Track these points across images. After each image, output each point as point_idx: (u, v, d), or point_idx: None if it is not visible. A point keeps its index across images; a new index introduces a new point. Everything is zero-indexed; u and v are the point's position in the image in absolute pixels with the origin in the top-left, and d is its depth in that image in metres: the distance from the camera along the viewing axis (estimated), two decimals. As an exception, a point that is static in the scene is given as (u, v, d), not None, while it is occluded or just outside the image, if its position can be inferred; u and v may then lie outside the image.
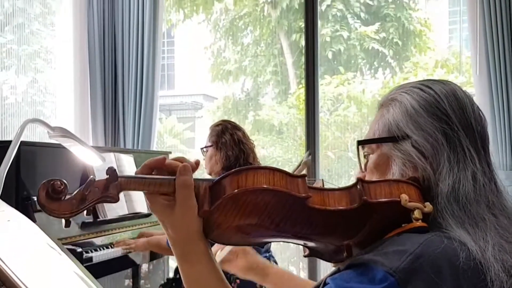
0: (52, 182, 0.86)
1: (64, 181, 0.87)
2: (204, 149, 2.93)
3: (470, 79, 4.83)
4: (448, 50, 5.81)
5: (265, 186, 0.87)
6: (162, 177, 0.93)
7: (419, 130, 0.97)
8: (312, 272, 3.98)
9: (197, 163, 0.96)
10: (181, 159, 0.95)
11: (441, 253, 0.83)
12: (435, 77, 5.33)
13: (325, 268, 4.30)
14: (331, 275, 0.87)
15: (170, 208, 0.93)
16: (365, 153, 1.05)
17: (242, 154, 2.83)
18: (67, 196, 0.87)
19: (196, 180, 0.93)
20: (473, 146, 0.96)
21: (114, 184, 0.88)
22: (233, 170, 0.90)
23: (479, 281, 0.84)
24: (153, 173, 0.95)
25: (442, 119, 0.96)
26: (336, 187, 0.95)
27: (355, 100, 5.54)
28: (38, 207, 2.50)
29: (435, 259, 0.82)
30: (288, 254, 5.70)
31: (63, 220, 0.88)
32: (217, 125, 2.95)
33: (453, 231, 0.88)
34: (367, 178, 1.02)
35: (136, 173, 0.95)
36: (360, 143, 1.06)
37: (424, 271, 0.81)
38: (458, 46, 5.69)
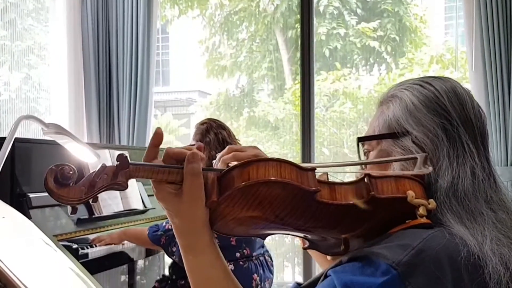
0: (61, 167, 0.83)
1: (73, 166, 0.84)
2: None
3: (465, 75, 4.84)
4: (443, 45, 5.82)
5: (276, 178, 0.86)
6: (171, 165, 0.91)
7: (419, 125, 0.97)
8: (307, 267, 3.98)
9: (199, 148, 0.94)
10: (189, 148, 0.94)
11: (443, 249, 0.84)
12: (431, 73, 5.33)
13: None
14: (333, 267, 0.86)
15: (177, 197, 0.91)
16: (365, 150, 1.05)
17: None
18: (76, 182, 0.85)
19: (204, 170, 0.91)
20: (473, 141, 0.96)
21: (124, 172, 0.86)
22: (243, 161, 0.89)
23: (477, 276, 0.84)
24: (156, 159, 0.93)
25: (442, 115, 0.96)
26: (340, 180, 0.94)
27: (351, 96, 5.54)
28: (34, 204, 2.48)
29: (437, 254, 0.83)
30: (283, 249, 5.71)
31: (69, 207, 0.86)
32: (202, 123, 2.92)
33: (451, 227, 0.88)
34: None
35: (144, 158, 0.92)
36: (360, 139, 1.05)
37: (426, 266, 0.81)
38: (453, 42, 5.70)
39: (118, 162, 0.86)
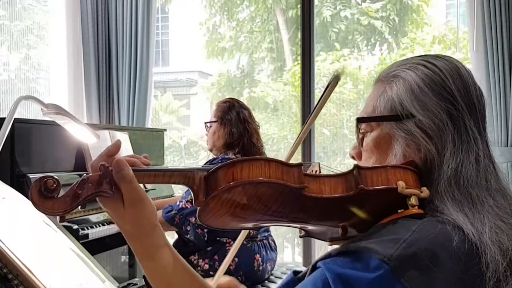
0: (44, 180, 0.86)
1: (57, 177, 0.86)
2: (208, 124, 2.93)
3: (467, 55, 4.81)
4: (445, 25, 5.78)
5: (260, 178, 0.86)
6: (169, 168, 0.93)
7: (424, 110, 0.93)
8: (307, 248, 4.00)
9: (145, 157, 0.96)
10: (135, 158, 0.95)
11: (434, 239, 0.82)
12: (433, 53, 5.29)
13: (320, 245, 4.33)
14: (323, 259, 0.84)
15: (118, 204, 0.92)
16: (363, 131, 1.01)
17: (246, 132, 2.83)
18: (60, 193, 0.86)
19: (191, 169, 0.92)
20: (476, 127, 0.94)
21: (107, 180, 0.88)
22: (228, 161, 0.89)
23: (473, 264, 0.82)
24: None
25: (447, 99, 0.94)
26: (333, 172, 0.93)
27: (351, 77, 5.52)
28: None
29: (428, 245, 0.81)
30: (283, 230, 5.73)
31: (58, 216, 0.88)
32: (224, 102, 2.95)
33: (449, 214, 0.86)
34: (365, 158, 1.00)
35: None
36: (360, 120, 1.01)
37: (418, 258, 0.79)
38: (455, 22, 5.66)
39: (101, 172, 0.88)
